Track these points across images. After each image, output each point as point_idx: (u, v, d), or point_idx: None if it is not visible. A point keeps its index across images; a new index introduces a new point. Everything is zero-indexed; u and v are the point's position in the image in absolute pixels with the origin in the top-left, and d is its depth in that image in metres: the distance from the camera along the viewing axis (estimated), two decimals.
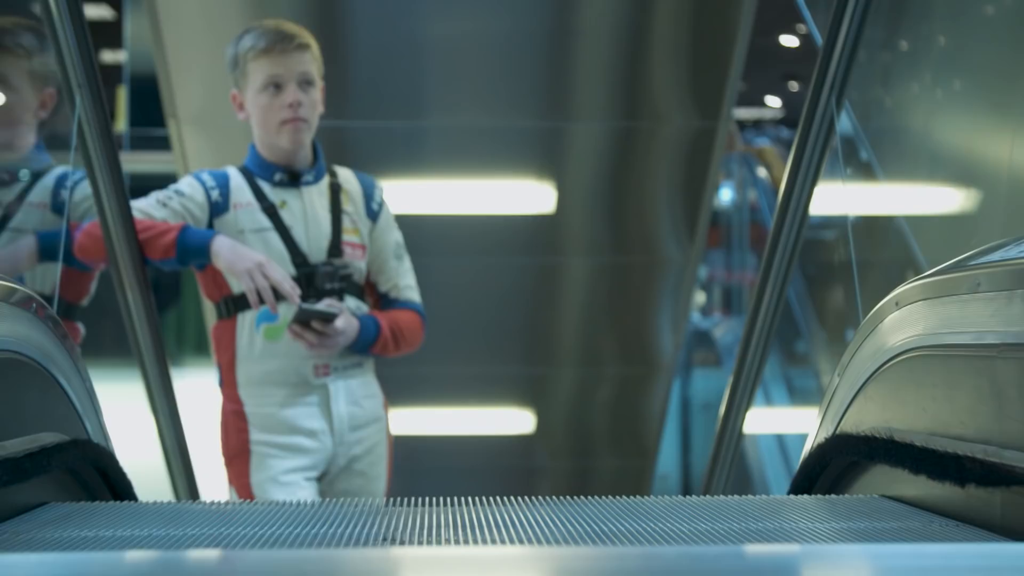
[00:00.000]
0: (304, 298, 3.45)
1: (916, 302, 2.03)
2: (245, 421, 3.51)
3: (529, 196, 6.28)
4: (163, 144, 7.50)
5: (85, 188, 3.47)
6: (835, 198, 4.45)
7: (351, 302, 3.55)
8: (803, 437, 2.55)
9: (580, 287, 6.83)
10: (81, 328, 3.63)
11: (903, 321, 2.07)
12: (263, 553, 1.57)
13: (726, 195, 9.86)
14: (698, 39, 5.70)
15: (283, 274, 3.37)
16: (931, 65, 4.36)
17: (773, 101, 21.05)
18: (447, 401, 7.34)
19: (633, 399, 7.37)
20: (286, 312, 3.43)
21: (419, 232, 6.29)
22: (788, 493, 2.40)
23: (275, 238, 3.49)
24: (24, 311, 2.03)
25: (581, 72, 5.84)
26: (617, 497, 2.12)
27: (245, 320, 3.49)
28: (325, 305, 3.43)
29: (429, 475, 7.78)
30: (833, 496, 2.27)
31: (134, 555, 1.54)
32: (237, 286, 3.46)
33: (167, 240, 3.40)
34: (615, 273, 6.72)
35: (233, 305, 3.50)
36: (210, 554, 1.55)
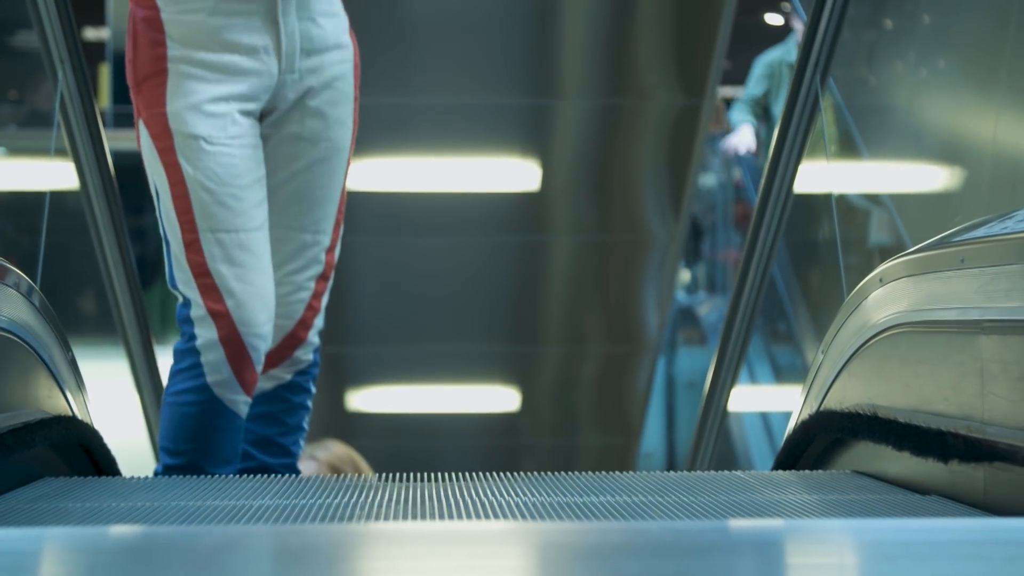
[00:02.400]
0: None
1: (900, 278, 2.03)
2: (162, 32, 2.54)
3: (514, 174, 6.27)
4: None
5: None
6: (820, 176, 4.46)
7: None
8: (788, 415, 2.56)
9: (565, 265, 6.83)
10: None
11: (887, 298, 2.07)
12: (247, 528, 1.57)
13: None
14: (683, 17, 5.69)
15: None
16: (915, 43, 4.36)
17: None
18: (432, 379, 7.33)
19: (618, 377, 7.38)
20: None
21: (404, 210, 6.29)
22: (772, 470, 2.40)
23: None
24: (8, 288, 2.03)
25: (566, 49, 5.83)
26: (600, 473, 2.12)
27: None
28: None
29: (413, 453, 7.78)
30: (812, 472, 2.28)
31: (116, 530, 1.53)
32: None
33: None
34: (600, 251, 6.72)
35: None
36: (188, 530, 1.55)
